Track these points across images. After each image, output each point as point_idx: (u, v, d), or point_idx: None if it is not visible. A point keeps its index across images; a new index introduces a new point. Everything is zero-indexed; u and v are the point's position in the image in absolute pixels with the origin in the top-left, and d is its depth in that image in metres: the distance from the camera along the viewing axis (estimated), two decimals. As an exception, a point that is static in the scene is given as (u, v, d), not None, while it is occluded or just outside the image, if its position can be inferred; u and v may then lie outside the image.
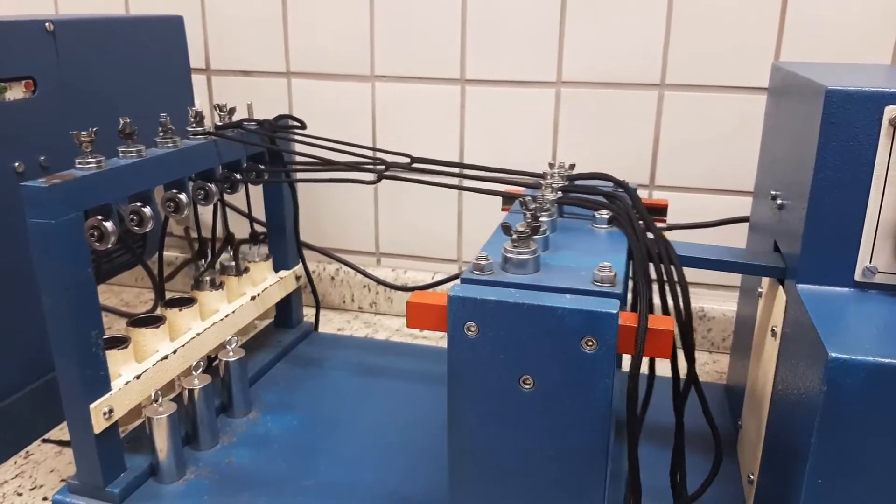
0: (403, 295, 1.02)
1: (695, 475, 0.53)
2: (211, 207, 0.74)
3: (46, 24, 0.70)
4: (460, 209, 0.98)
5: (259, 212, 0.85)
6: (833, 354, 0.38)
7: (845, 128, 0.44)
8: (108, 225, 0.58)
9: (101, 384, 0.58)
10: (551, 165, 0.63)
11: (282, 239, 0.85)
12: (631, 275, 0.49)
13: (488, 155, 0.94)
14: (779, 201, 0.55)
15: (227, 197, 0.76)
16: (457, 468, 0.46)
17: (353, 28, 0.94)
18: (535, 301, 0.41)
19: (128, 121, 0.62)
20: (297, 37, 0.96)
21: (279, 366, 0.82)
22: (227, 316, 0.73)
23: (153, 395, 0.62)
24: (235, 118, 0.75)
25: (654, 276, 0.49)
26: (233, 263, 0.77)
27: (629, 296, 0.53)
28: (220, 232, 0.80)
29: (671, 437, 0.50)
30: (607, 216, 0.56)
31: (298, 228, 0.85)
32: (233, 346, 0.71)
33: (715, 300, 0.92)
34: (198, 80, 1.00)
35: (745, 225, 0.74)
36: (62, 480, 0.66)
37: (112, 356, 0.59)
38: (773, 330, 0.54)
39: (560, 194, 0.58)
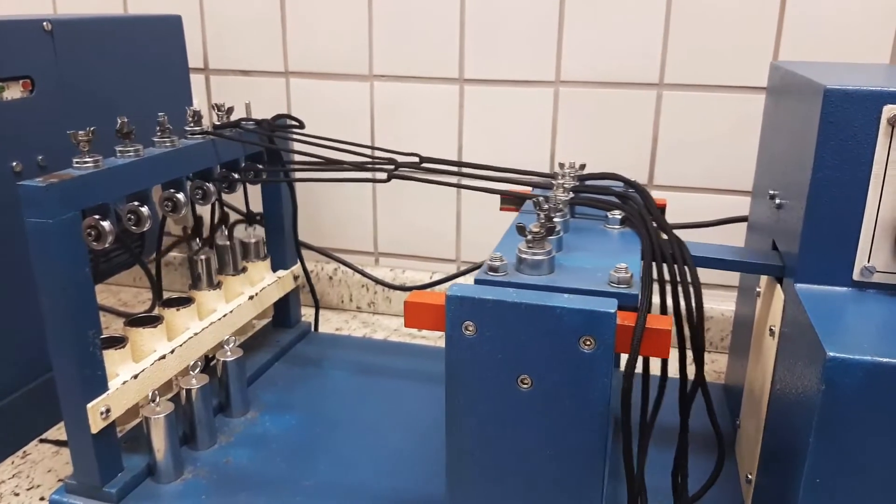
0: (402, 294, 1.01)
1: (694, 475, 0.53)
2: (209, 207, 0.74)
3: (44, 23, 0.69)
4: (459, 209, 0.98)
5: (258, 212, 0.85)
6: (831, 354, 0.38)
7: (844, 127, 0.44)
8: (106, 224, 0.58)
9: (98, 384, 0.58)
10: (562, 165, 0.63)
11: (280, 238, 0.84)
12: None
13: (487, 154, 0.94)
14: (777, 201, 0.55)
15: (225, 197, 0.76)
16: (455, 467, 0.46)
17: (351, 28, 0.94)
18: (532, 300, 0.41)
19: (125, 120, 0.62)
20: (296, 36, 0.96)
21: (277, 365, 0.82)
22: (224, 316, 0.73)
23: (151, 394, 0.62)
24: (234, 118, 0.75)
25: (667, 276, 0.49)
26: (227, 243, 0.77)
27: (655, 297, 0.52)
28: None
29: (671, 438, 0.50)
30: (620, 216, 0.56)
31: (297, 228, 0.85)
32: (231, 345, 0.71)
33: (713, 300, 0.92)
34: (196, 80, 1.00)
35: (744, 224, 0.74)
36: (59, 480, 0.66)
37: (109, 356, 0.59)
38: (771, 329, 0.54)
39: (572, 194, 0.58)
